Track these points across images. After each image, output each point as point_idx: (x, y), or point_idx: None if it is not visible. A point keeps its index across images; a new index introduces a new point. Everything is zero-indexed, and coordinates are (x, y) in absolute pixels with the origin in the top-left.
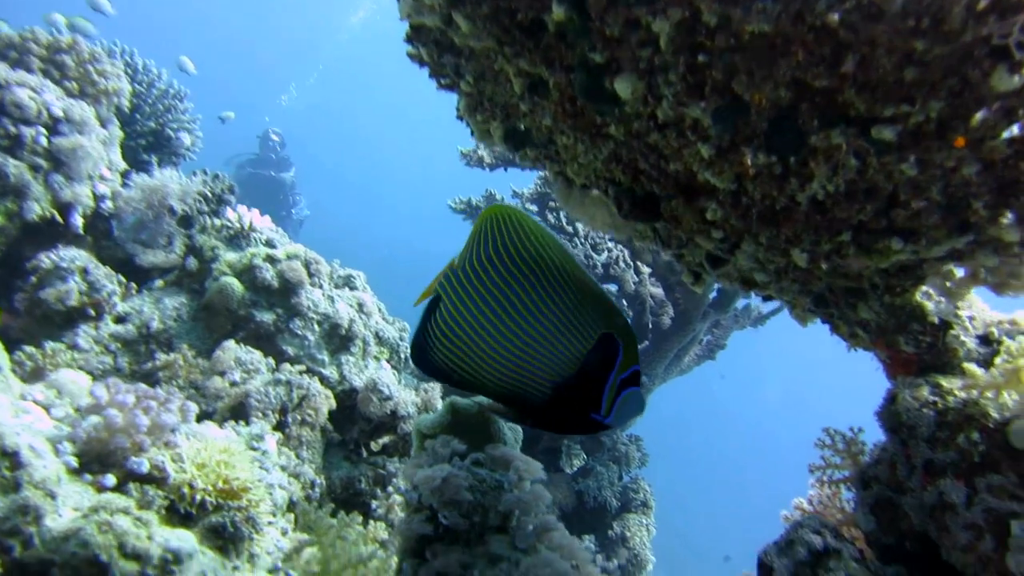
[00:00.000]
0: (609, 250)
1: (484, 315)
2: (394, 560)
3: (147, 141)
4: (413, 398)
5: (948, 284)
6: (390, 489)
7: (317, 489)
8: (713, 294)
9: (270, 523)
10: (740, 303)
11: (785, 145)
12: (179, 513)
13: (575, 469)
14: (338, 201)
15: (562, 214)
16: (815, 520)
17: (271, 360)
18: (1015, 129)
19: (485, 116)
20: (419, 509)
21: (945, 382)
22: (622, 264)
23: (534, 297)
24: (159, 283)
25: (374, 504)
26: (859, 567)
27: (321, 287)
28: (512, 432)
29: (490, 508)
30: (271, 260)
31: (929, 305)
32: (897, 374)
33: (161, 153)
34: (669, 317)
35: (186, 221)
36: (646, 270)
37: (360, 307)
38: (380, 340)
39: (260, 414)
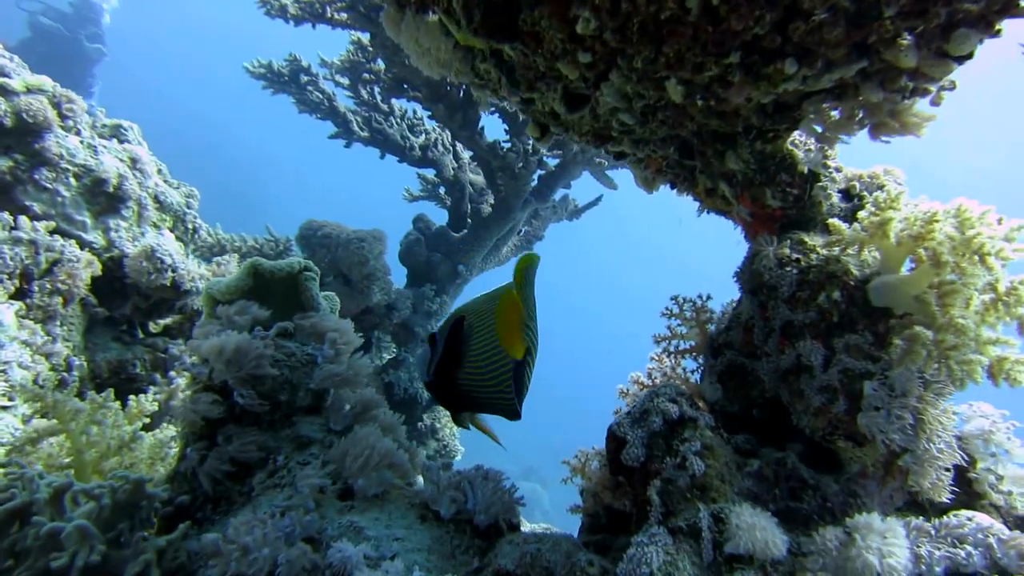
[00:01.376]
0: (427, 132)
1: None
2: (174, 443)
3: None
4: (202, 271)
5: (821, 129)
6: (172, 374)
7: (76, 372)
8: (534, 182)
9: (4, 408)
10: (558, 194)
11: None
12: None
13: (385, 361)
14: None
15: (376, 90)
16: (671, 388)
17: (7, 216)
18: None
19: None
20: (209, 387)
21: (808, 239)
22: (440, 147)
23: None
24: None
25: (152, 390)
26: (714, 435)
27: (79, 133)
28: (328, 301)
29: (300, 385)
30: (3, 92)
31: (799, 154)
32: (759, 233)
33: None
34: (489, 205)
35: None
36: (466, 155)
37: (133, 163)
38: (161, 205)
39: None
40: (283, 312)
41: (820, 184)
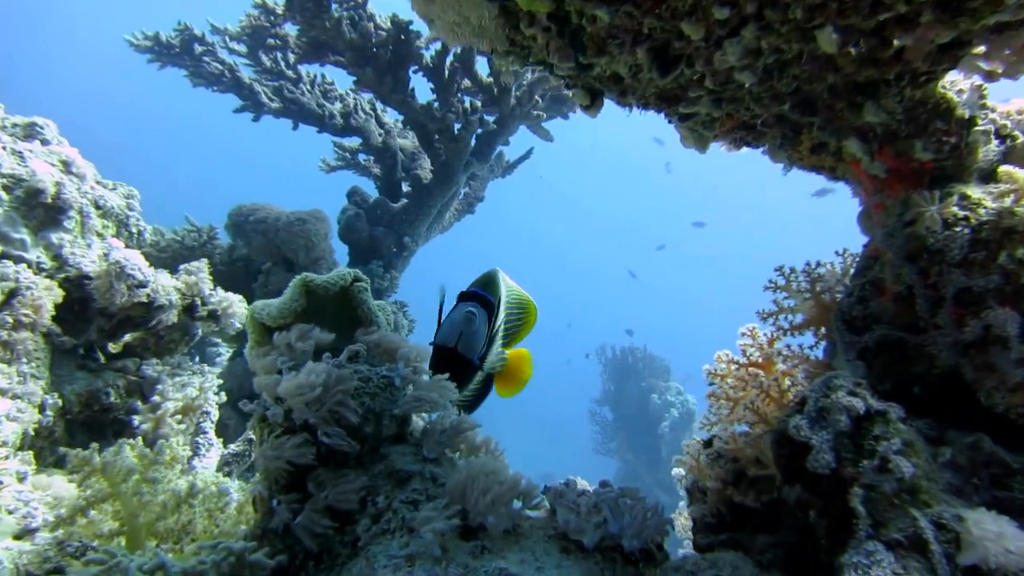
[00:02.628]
0: (343, 97)
1: None
2: (207, 487)
3: None
4: (174, 283)
5: (989, 65)
6: (155, 398)
7: (50, 411)
8: (472, 141)
9: (3, 470)
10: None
11: None
12: None
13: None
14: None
15: (280, 56)
16: (846, 379)
17: None
18: None
19: None
20: (291, 429)
21: (971, 192)
22: (362, 113)
23: None
24: None
25: (136, 420)
26: (908, 428)
27: None
28: (381, 313)
29: (383, 413)
30: None
31: (954, 96)
32: (895, 191)
33: None
34: (428, 170)
35: None
36: (390, 119)
37: (66, 166)
38: (103, 211)
39: None
40: (338, 330)
41: (979, 128)
